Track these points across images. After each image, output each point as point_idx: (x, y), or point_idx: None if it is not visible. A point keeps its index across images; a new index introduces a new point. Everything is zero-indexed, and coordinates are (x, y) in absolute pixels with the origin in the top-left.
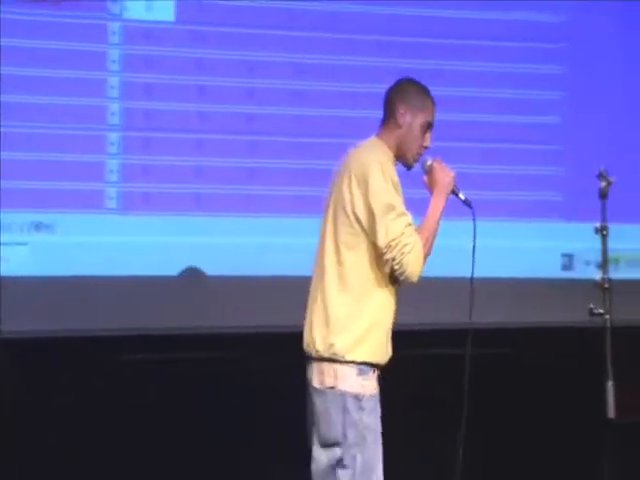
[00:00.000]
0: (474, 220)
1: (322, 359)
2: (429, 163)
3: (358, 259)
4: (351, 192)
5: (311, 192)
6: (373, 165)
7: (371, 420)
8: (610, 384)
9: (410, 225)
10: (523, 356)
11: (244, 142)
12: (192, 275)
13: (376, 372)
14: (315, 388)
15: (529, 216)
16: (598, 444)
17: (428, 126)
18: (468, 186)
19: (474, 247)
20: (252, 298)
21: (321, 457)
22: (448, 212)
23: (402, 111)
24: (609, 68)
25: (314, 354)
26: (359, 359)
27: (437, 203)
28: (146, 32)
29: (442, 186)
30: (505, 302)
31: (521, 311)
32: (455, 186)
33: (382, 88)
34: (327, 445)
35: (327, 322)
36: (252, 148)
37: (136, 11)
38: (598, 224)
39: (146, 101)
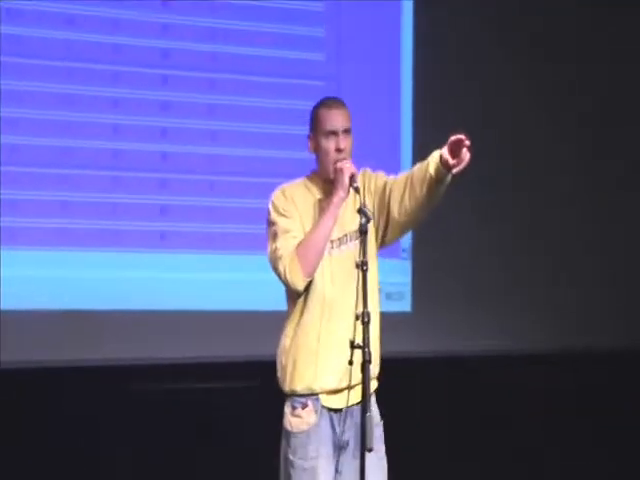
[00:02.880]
0: (368, 219)
1: None
2: (335, 166)
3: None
4: None
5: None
6: (268, 205)
7: (297, 458)
8: (369, 415)
9: (293, 238)
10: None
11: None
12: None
13: (314, 403)
14: None
15: None
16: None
17: (330, 133)
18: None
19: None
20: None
21: None
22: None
23: (309, 138)
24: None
25: None
26: (287, 389)
27: (330, 203)
28: None
29: (338, 186)
30: (251, 334)
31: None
32: (353, 182)
33: None
34: None
35: None
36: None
37: None
38: (359, 259)
39: None
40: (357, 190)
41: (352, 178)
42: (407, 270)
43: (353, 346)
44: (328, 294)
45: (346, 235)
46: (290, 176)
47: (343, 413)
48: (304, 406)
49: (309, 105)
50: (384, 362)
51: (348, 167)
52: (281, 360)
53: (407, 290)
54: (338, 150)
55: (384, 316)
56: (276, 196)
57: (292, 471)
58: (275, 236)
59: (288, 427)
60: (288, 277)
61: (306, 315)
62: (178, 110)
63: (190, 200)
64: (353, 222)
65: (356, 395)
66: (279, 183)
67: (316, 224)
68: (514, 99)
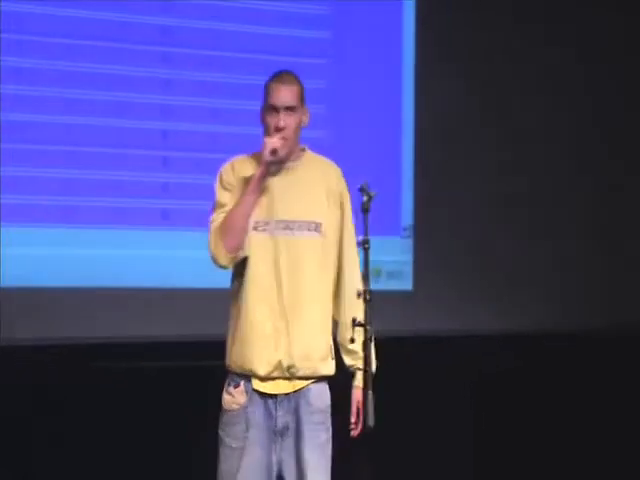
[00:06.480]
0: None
1: None
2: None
3: None
4: None
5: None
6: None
7: (225, 435)
8: (370, 393)
9: (224, 212)
10: None
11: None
12: None
13: (245, 384)
14: None
15: None
16: (358, 450)
17: (271, 108)
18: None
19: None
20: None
21: None
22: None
23: (260, 109)
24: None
25: None
26: (226, 365)
27: (254, 177)
28: None
29: (261, 161)
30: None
31: None
32: (274, 157)
33: None
34: None
35: None
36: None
37: None
38: (360, 237)
39: None
40: (271, 164)
41: (273, 153)
42: (409, 248)
43: (355, 324)
44: (267, 279)
45: (296, 222)
46: None
47: (280, 398)
48: (236, 385)
49: (309, 84)
50: (382, 342)
51: (271, 141)
52: (227, 337)
53: (408, 269)
54: (277, 129)
55: (385, 294)
56: (225, 169)
57: (221, 447)
58: (213, 208)
59: (222, 403)
60: (212, 252)
61: (245, 296)
62: (179, 89)
63: (191, 178)
64: (306, 208)
65: (291, 384)
66: None
67: (237, 201)
68: (514, 97)
